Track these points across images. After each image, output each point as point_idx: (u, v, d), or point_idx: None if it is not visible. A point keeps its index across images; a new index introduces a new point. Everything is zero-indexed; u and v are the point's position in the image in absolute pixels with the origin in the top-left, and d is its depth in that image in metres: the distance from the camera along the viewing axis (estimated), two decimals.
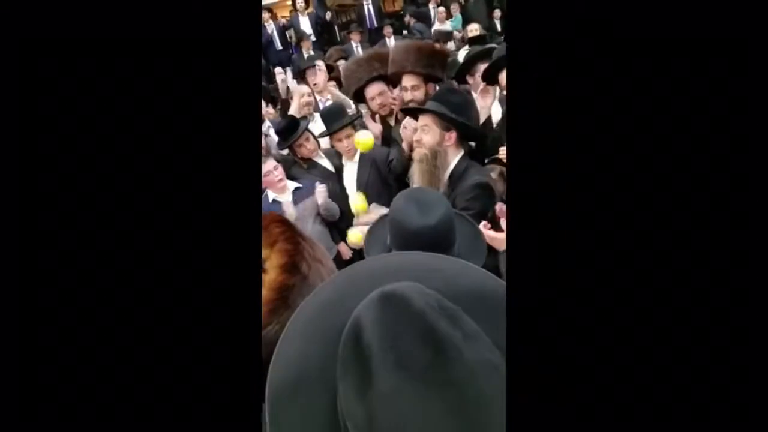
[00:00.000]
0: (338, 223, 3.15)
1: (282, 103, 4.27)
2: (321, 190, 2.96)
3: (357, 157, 3.02)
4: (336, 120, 2.95)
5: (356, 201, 2.68)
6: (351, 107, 3.64)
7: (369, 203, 2.71)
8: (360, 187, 2.97)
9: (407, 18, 9.89)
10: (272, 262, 0.84)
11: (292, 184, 3.11)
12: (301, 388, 0.56)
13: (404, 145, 2.77)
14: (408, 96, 3.05)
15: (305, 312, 0.64)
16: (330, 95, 4.11)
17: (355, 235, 2.56)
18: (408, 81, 3.06)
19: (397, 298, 0.51)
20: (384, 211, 2.41)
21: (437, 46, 3.45)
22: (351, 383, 0.51)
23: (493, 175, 2.35)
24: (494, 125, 3.02)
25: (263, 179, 2.94)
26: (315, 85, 4.15)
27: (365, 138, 2.86)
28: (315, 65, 4.71)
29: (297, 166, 3.34)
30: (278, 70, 4.42)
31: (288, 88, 4.29)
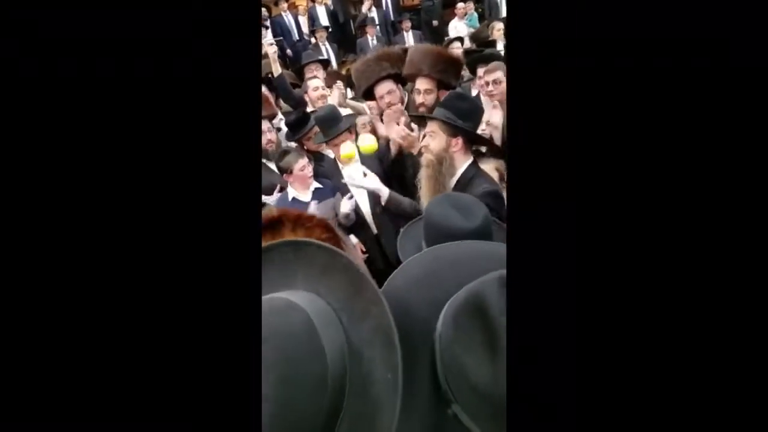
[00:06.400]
0: (352, 227, 3.14)
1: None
2: (347, 203, 2.93)
3: (357, 157, 3.00)
4: (333, 126, 2.93)
5: (367, 142, 2.68)
6: (366, 111, 3.66)
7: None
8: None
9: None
10: None
11: (313, 184, 3.10)
12: (407, 344, 0.70)
13: (396, 143, 2.82)
14: (420, 99, 3.06)
15: (400, 282, 0.84)
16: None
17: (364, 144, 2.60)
18: (422, 84, 3.07)
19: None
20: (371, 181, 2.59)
21: (453, 53, 3.46)
22: (477, 349, 0.67)
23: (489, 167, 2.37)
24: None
25: (297, 174, 2.95)
26: (310, 79, 4.16)
27: (369, 143, 2.87)
28: (316, 60, 4.76)
29: None
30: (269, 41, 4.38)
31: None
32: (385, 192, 2.59)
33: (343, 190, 3.05)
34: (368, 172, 2.65)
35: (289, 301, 0.75)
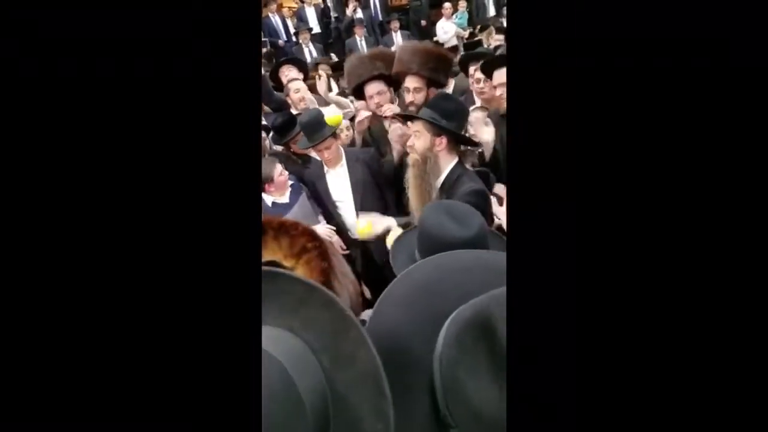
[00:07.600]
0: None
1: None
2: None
3: (343, 160, 3.01)
4: (317, 131, 2.92)
5: (362, 226, 2.59)
6: (350, 107, 3.65)
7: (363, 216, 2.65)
8: (355, 187, 2.96)
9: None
10: (305, 276, 0.86)
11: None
12: (405, 360, 0.68)
13: (396, 149, 2.82)
14: (409, 98, 3.04)
15: (399, 292, 0.78)
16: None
17: (366, 224, 2.51)
18: (411, 83, 3.05)
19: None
20: (387, 221, 2.46)
21: (443, 50, 3.47)
22: (481, 372, 0.63)
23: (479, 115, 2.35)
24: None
25: (278, 180, 2.93)
26: (291, 81, 4.13)
27: (333, 114, 2.87)
28: (290, 61, 4.75)
29: (291, 162, 3.36)
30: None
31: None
32: (393, 224, 2.46)
33: (313, 176, 3.05)
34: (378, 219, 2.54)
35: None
